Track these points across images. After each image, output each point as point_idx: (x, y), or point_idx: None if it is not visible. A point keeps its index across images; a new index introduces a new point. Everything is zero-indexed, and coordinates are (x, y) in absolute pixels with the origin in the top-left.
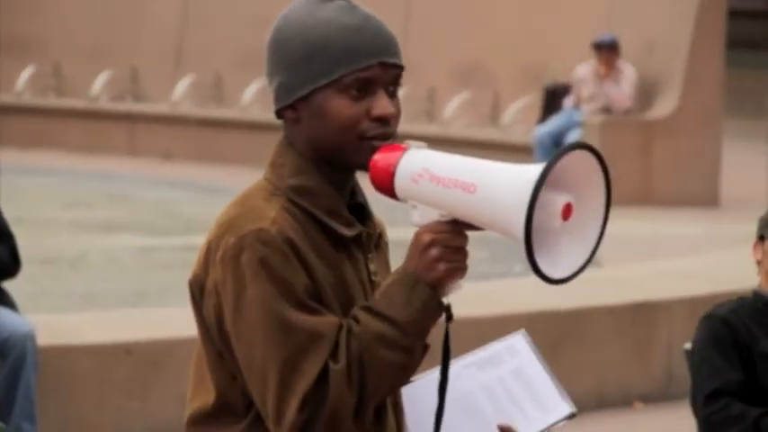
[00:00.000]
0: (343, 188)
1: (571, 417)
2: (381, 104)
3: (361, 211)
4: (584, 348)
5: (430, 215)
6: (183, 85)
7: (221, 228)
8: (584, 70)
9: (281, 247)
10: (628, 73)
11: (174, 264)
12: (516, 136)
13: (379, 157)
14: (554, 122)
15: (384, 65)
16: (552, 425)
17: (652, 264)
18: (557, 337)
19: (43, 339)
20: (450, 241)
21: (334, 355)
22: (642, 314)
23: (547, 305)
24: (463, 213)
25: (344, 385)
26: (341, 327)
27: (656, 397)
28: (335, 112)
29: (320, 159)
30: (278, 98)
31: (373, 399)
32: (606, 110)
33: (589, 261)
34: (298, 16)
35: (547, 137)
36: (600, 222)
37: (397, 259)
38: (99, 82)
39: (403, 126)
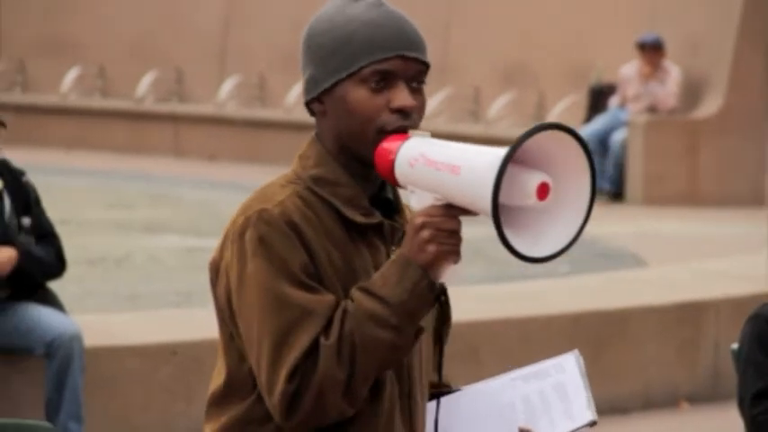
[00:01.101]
0: (366, 180)
1: (592, 424)
2: (401, 96)
3: (388, 206)
4: (630, 348)
5: (426, 199)
6: (227, 87)
7: (237, 213)
8: (629, 70)
9: (281, 227)
10: (673, 73)
11: None
12: None
13: (383, 145)
14: (599, 122)
15: (404, 58)
16: (572, 431)
17: (698, 263)
18: (602, 337)
19: (89, 340)
20: (442, 224)
21: (326, 331)
22: (688, 314)
23: (592, 305)
24: (451, 195)
25: (334, 361)
26: (336, 306)
27: (703, 397)
28: (355, 102)
29: (343, 151)
30: (307, 91)
31: (363, 376)
32: (651, 109)
33: (573, 242)
34: (329, 14)
35: (592, 137)
36: (585, 204)
37: None
38: (144, 83)
39: (447, 126)
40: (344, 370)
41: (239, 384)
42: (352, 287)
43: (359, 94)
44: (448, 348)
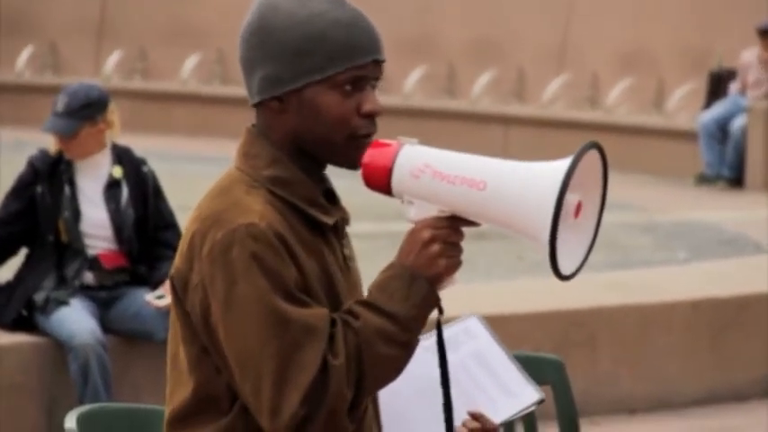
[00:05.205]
0: (316, 177)
1: (540, 402)
2: (371, 100)
3: (332, 198)
4: (750, 335)
5: (428, 211)
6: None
7: (205, 222)
8: (750, 55)
9: (272, 241)
10: None
11: None
12: (680, 122)
13: (373, 154)
14: (719, 108)
15: (376, 62)
16: (521, 411)
17: None
18: (721, 324)
19: None
20: (449, 237)
21: (332, 349)
22: None
23: (712, 292)
24: (469, 210)
25: (344, 381)
26: (334, 320)
27: None
28: (328, 107)
29: (298, 151)
30: (263, 89)
31: (369, 393)
32: None
33: (588, 256)
34: (288, 7)
35: (712, 123)
36: (596, 218)
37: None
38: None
39: (565, 112)
40: (352, 388)
41: (215, 399)
42: (331, 292)
43: (331, 99)
44: (564, 334)
